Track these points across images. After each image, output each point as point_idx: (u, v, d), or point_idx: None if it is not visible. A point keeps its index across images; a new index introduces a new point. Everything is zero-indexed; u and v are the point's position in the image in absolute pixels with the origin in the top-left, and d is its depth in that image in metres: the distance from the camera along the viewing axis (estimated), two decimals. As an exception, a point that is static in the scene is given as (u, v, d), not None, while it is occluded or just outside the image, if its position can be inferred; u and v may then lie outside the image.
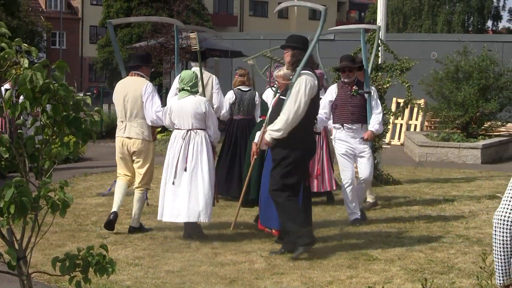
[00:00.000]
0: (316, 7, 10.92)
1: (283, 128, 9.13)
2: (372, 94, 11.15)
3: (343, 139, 11.05)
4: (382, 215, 11.72)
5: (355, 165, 11.30)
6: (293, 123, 9.09)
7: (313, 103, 9.39)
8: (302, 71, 9.23)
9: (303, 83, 9.20)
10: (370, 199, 12.47)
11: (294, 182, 9.31)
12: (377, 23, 16.87)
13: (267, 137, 9.33)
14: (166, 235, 10.42)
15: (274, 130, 9.26)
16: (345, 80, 11.19)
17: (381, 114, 11.23)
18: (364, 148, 11.03)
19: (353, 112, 11.00)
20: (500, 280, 4.89)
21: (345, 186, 11.02)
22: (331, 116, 11.29)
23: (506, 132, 22.21)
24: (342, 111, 11.05)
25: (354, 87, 11.04)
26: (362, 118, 11.02)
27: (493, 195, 13.73)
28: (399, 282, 8.25)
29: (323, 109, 10.95)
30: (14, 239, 4.26)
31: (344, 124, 11.00)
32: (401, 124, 24.79)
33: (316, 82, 9.37)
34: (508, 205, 4.88)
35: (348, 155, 11.05)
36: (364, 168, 11.12)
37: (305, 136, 9.39)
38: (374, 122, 11.00)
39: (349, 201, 11.06)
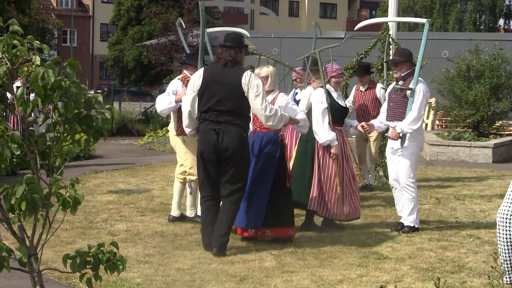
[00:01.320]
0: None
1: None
2: (415, 91, 10.35)
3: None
4: (392, 214, 11.67)
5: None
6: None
7: None
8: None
9: (422, 89, 10.32)
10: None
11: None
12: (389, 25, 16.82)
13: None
14: (176, 232, 10.42)
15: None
16: (394, 75, 10.70)
17: (415, 113, 10.29)
18: (399, 147, 10.34)
19: (392, 108, 10.54)
20: (508, 279, 4.87)
21: (391, 186, 10.70)
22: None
23: (517, 132, 22.16)
24: (387, 108, 10.70)
25: (400, 82, 10.39)
26: (399, 115, 10.38)
27: (504, 195, 13.68)
28: (409, 281, 8.23)
29: (384, 108, 10.85)
30: (25, 236, 4.27)
31: (386, 121, 10.68)
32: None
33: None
34: (511, 203, 4.89)
35: (389, 154, 10.66)
36: (399, 168, 10.42)
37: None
38: (404, 121, 10.26)
39: (397, 204, 10.72)
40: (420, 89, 10.46)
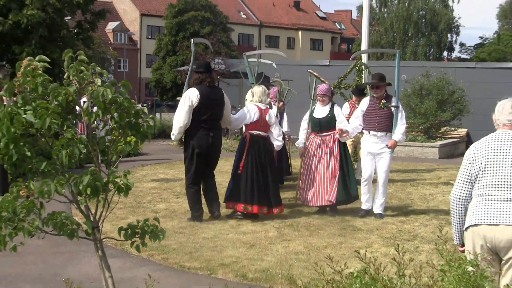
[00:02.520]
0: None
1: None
2: (400, 108, 10.34)
3: (368, 142, 10.32)
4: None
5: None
6: None
7: None
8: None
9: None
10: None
11: None
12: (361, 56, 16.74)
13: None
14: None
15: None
16: (374, 95, 10.43)
17: (404, 126, 10.33)
18: (384, 152, 10.17)
19: (379, 121, 10.22)
20: (456, 241, 4.97)
21: (364, 180, 10.35)
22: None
23: (457, 135, 22.19)
24: (371, 120, 10.29)
25: (382, 101, 10.24)
26: (387, 127, 10.19)
27: (447, 182, 13.72)
28: (377, 246, 8.30)
29: (357, 118, 10.41)
30: (90, 213, 4.27)
31: (371, 131, 10.28)
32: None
33: None
34: (461, 186, 4.90)
35: (368, 156, 10.33)
36: (381, 169, 10.24)
37: None
38: (398, 133, 10.15)
39: (364, 193, 10.35)
40: (402, 107, 10.54)
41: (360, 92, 12.84)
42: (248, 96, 10.56)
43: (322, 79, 11.46)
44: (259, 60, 12.94)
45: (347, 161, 10.53)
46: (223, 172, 12.99)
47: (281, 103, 11.28)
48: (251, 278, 6.90)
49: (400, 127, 10.18)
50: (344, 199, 10.41)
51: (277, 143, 10.10)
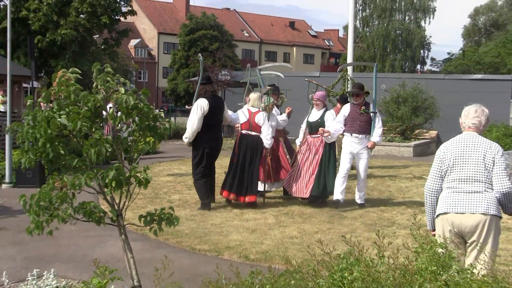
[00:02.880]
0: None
1: None
2: (377, 114, 10.29)
3: (349, 143, 10.19)
4: (350, 188, 11.67)
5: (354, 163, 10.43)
6: None
7: None
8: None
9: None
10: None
11: None
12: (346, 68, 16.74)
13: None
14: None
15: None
16: (354, 102, 10.33)
17: (381, 129, 10.31)
18: (363, 152, 10.11)
19: (360, 125, 10.15)
20: (429, 226, 4.98)
21: (341, 174, 10.17)
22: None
23: (428, 136, 22.17)
24: (353, 124, 10.18)
25: (362, 107, 10.16)
26: (366, 130, 10.13)
27: (420, 177, 13.68)
28: (360, 232, 8.28)
29: (338, 122, 10.24)
30: (114, 202, 4.27)
31: (353, 134, 10.15)
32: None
33: None
34: (433, 180, 4.91)
35: (350, 154, 10.20)
36: (361, 166, 10.19)
37: None
38: (376, 135, 10.12)
39: (338, 186, 10.11)
40: (379, 113, 10.55)
41: (344, 101, 12.78)
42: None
43: (322, 86, 11.52)
44: (271, 72, 13.23)
45: (329, 161, 10.30)
46: (223, 167, 12.96)
47: (289, 109, 11.19)
48: (253, 259, 6.90)
49: (378, 130, 10.16)
50: (318, 194, 10.22)
51: (266, 141, 10.02)
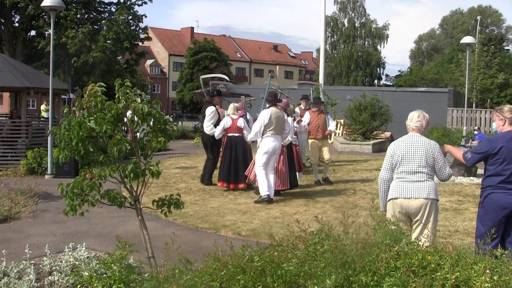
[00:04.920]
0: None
1: None
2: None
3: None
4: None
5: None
6: None
7: None
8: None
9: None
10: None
11: None
12: (319, 81, 16.84)
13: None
14: (211, 189, 10.39)
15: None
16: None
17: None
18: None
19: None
20: (382, 208, 4.97)
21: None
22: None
23: (384, 136, 22.17)
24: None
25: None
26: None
27: (378, 169, 13.70)
28: (329, 213, 8.25)
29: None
30: (133, 190, 4.24)
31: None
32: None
33: None
34: (385, 171, 4.91)
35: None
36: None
37: None
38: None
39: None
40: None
41: (317, 100, 12.25)
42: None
43: (286, 95, 11.65)
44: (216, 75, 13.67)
45: (291, 159, 9.95)
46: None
47: (299, 118, 11.22)
48: (244, 235, 6.88)
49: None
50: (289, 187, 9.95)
51: (246, 138, 10.01)
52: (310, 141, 11.15)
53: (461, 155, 5.05)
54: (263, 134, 9.03)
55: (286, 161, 9.69)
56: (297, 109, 12.72)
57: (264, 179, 8.95)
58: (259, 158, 9.06)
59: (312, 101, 11.45)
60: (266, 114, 9.02)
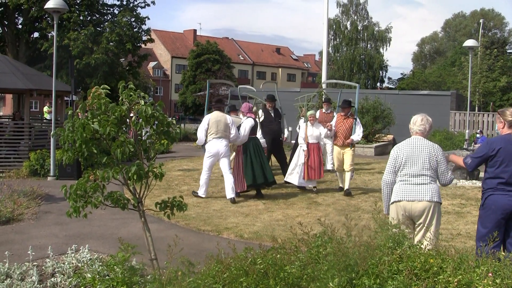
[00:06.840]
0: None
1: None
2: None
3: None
4: (323, 181, 11.68)
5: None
6: None
7: None
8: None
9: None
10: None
11: None
12: (322, 84, 16.82)
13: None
14: (213, 191, 10.39)
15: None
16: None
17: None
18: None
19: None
20: (385, 211, 4.97)
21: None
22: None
23: (386, 139, 22.17)
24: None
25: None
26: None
27: (380, 171, 13.69)
28: (332, 216, 8.25)
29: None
30: (136, 192, 4.25)
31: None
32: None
33: None
34: (388, 174, 4.92)
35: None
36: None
37: None
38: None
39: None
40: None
41: (348, 104, 11.95)
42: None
43: (252, 98, 11.68)
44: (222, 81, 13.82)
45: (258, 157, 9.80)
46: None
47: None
48: (246, 237, 6.88)
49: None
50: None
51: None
52: (334, 146, 10.61)
53: (461, 161, 5.08)
54: (207, 139, 9.39)
55: (240, 163, 9.55)
56: (317, 113, 12.36)
57: (205, 182, 9.48)
58: (205, 161, 9.50)
59: (341, 105, 10.67)
60: (205, 120, 9.45)
